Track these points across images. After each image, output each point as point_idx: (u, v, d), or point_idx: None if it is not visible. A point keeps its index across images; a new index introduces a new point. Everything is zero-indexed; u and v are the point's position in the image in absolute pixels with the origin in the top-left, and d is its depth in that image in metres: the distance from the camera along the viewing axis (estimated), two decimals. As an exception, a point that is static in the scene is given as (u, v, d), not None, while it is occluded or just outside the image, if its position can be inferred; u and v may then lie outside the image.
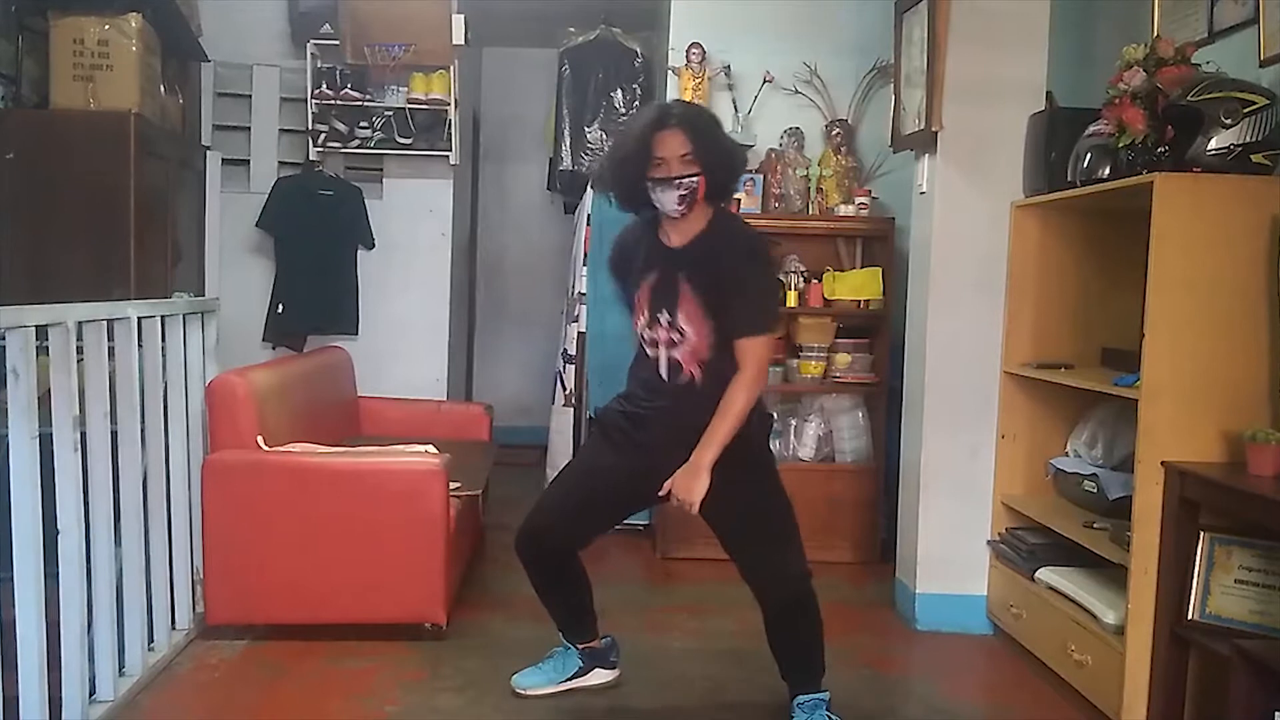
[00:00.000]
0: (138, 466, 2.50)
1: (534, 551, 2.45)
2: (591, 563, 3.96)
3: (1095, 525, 2.64)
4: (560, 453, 4.25)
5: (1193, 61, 2.46)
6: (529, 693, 2.55)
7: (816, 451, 3.87)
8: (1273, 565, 2.23)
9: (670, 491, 2.23)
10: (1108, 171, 2.55)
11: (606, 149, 2.45)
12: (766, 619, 2.37)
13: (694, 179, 2.21)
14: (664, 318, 2.29)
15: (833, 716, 2.37)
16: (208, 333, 2.95)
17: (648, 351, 2.35)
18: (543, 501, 2.48)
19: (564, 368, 4.28)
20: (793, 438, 3.91)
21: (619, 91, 4.85)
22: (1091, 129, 2.61)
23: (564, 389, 4.27)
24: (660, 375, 2.32)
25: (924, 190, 3.15)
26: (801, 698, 2.38)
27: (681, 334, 2.27)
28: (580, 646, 2.60)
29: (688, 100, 2.37)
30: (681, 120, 2.23)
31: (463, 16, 4.31)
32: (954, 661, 2.91)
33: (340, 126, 4.41)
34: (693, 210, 2.26)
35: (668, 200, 2.23)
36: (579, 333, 4.18)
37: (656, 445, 2.31)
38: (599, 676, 2.61)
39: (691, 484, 2.20)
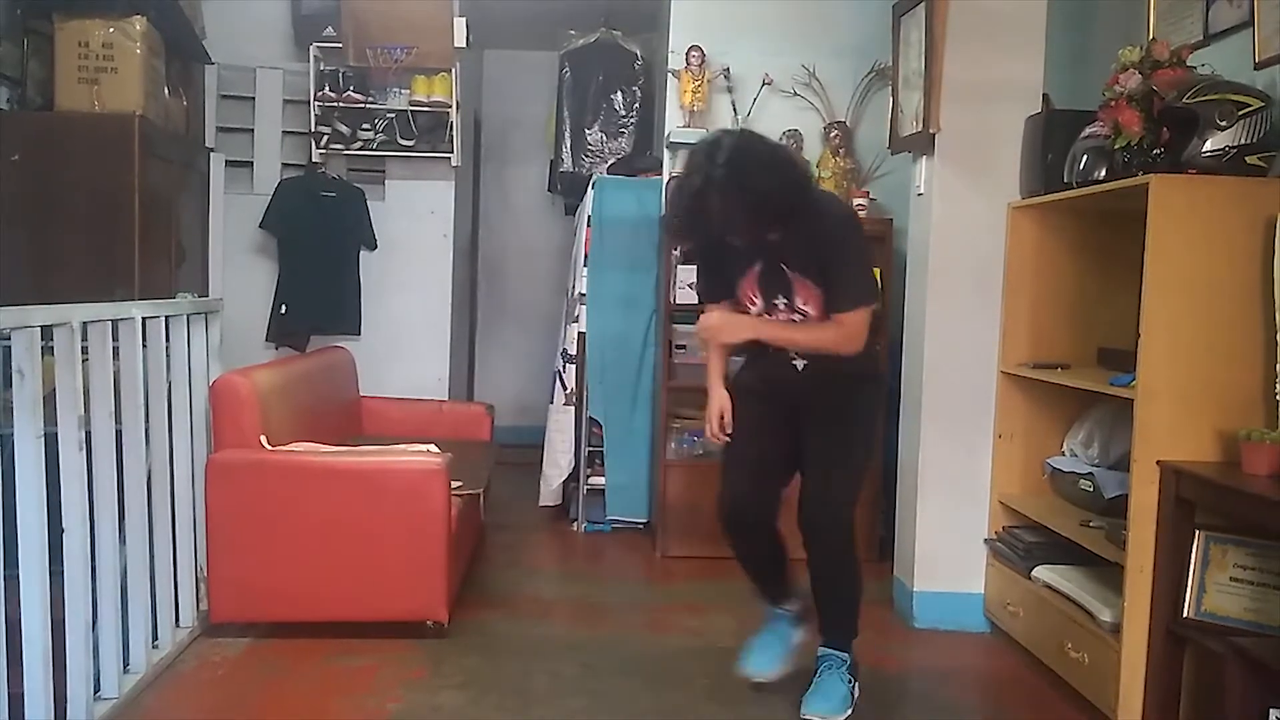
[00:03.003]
0: (142, 465, 2.52)
1: (743, 523, 2.51)
2: (591, 561, 3.98)
3: (1092, 524, 2.65)
4: (560, 451, 4.27)
5: (1188, 64, 2.48)
6: (764, 678, 2.57)
7: (816, 451, 3.88)
8: (1267, 564, 2.25)
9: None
10: (1104, 173, 2.56)
11: (671, 197, 2.54)
12: (808, 563, 2.49)
13: (740, 234, 2.29)
14: (781, 302, 2.39)
15: (852, 681, 2.48)
16: (211, 333, 2.97)
17: None
18: (726, 476, 2.53)
19: (564, 367, 4.30)
20: (792, 437, 3.92)
21: (619, 94, 4.87)
22: (1088, 131, 2.63)
23: (564, 388, 4.29)
24: (788, 355, 2.43)
25: (922, 192, 3.16)
26: (824, 650, 2.51)
27: (804, 315, 2.38)
28: (786, 608, 2.64)
29: (728, 147, 2.22)
30: (716, 193, 2.17)
31: (464, 19, 4.33)
32: (951, 659, 2.93)
33: (343, 128, 4.43)
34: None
35: (735, 245, 2.35)
36: (579, 333, 4.20)
37: (798, 389, 2.45)
38: (801, 632, 2.66)
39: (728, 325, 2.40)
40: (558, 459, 4.26)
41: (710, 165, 2.19)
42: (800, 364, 2.43)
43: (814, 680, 2.50)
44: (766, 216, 2.24)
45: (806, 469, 2.46)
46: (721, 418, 2.51)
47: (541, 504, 4.36)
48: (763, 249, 2.35)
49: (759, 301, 2.42)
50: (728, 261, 2.43)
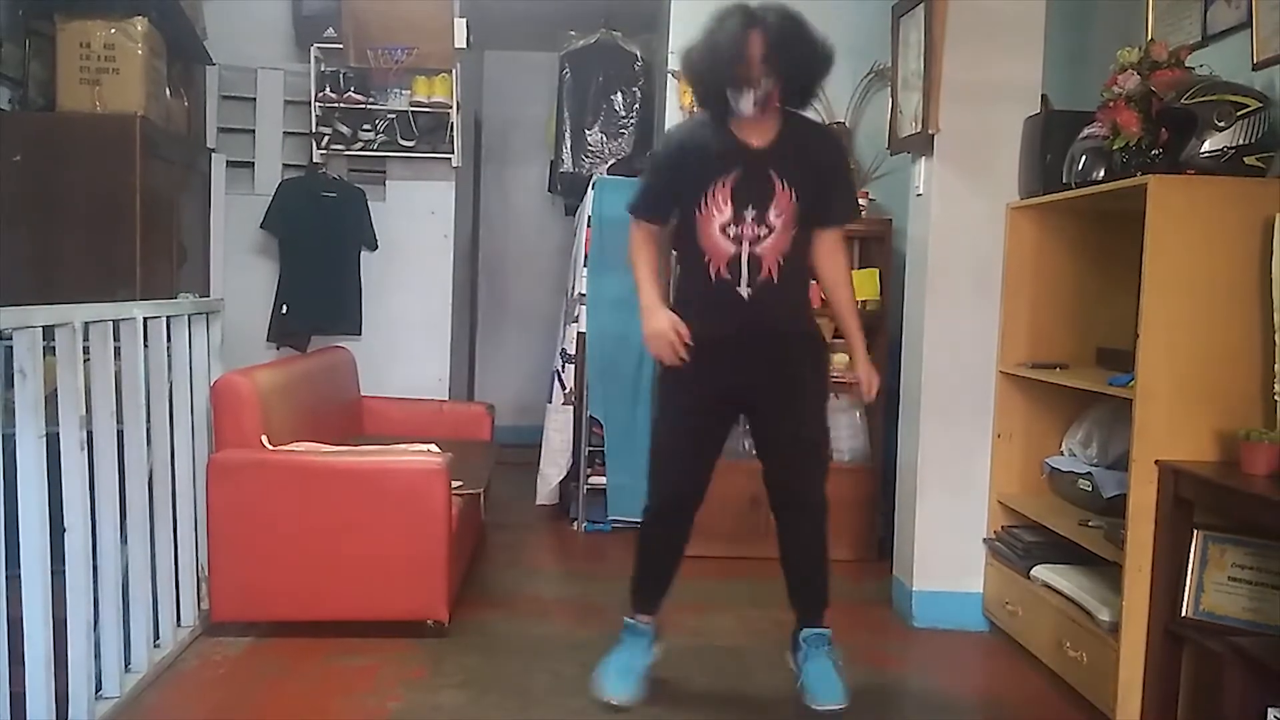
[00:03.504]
0: (143, 465, 2.52)
1: (680, 518, 2.49)
2: (592, 561, 3.99)
3: (1090, 523, 2.66)
4: (558, 451, 4.28)
5: (1187, 65, 2.48)
6: (625, 702, 2.48)
7: (815, 451, 3.90)
8: (1266, 563, 2.25)
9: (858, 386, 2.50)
10: (1102, 173, 2.57)
11: (697, 42, 2.40)
12: (784, 534, 2.48)
13: (771, 82, 2.28)
14: (750, 214, 2.35)
15: (834, 651, 2.48)
16: (212, 333, 2.97)
17: (718, 252, 2.37)
18: (662, 468, 2.48)
19: (563, 367, 4.31)
20: (792, 437, 3.93)
21: (619, 94, 4.88)
22: (1086, 131, 2.64)
23: (563, 388, 4.31)
24: (735, 280, 2.37)
25: (921, 192, 3.17)
26: (808, 631, 2.49)
27: (770, 229, 2.36)
28: (647, 620, 2.59)
29: (781, 4, 2.32)
30: (767, 26, 2.26)
31: (464, 20, 4.35)
32: (950, 658, 2.94)
33: (343, 129, 4.45)
34: (767, 112, 2.33)
35: (744, 102, 2.29)
36: (579, 333, 4.21)
37: (746, 358, 2.40)
38: (658, 651, 2.63)
39: (873, 376, 2.50)
40: (556, 458, 4.27)
41: (760, 9, 2.28)
42: (746, 292, 2.37)
43: (804, 668, 2.47)
44: (798, 75, 2.32)
45: (783, 450, 2.45)
46: (678, 334, 2.34)
47: (539, 503, 4.37)
48: (748, 157, 2.35)
49: (726, 211, 2.35)
50: (700, 166, 2.37)
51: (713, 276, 2.38)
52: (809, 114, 2.51)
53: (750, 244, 2.36)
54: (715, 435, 2.47)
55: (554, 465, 4.30)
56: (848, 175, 2.49)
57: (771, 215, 2.35)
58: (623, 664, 2.53)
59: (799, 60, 2.30)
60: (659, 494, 2.50)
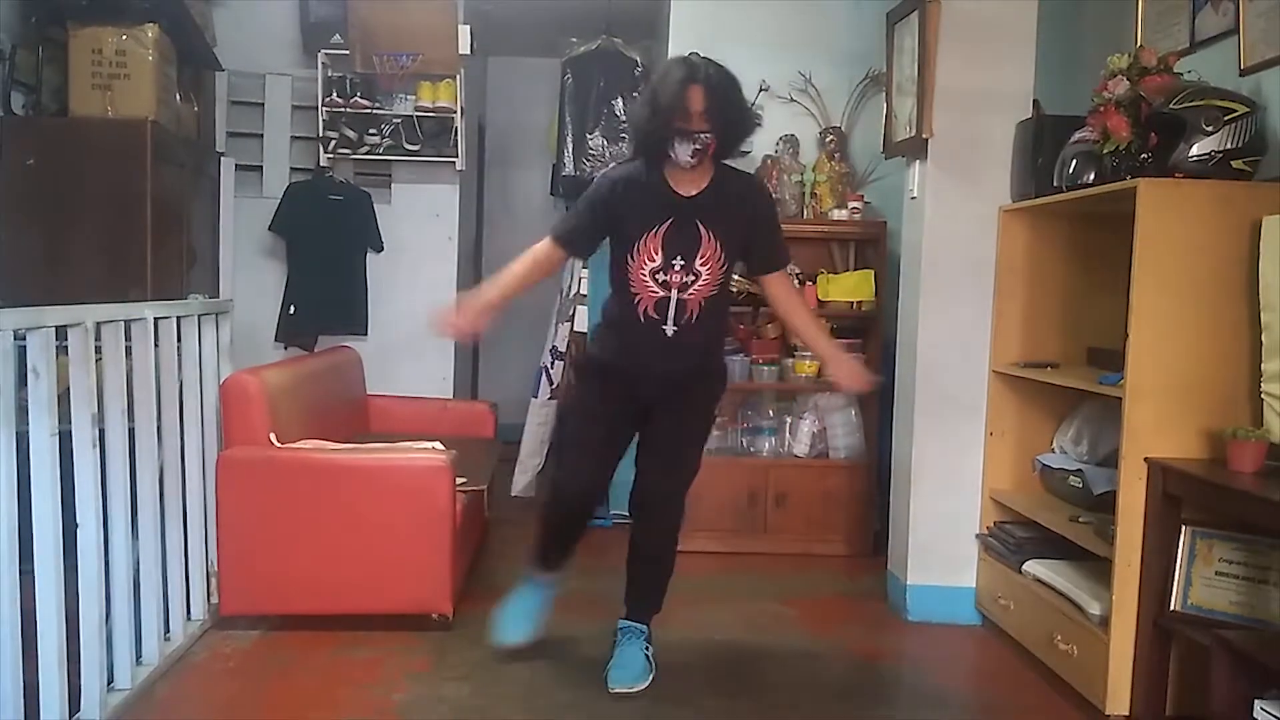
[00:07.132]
0: (154, 462, 2.56)
1: (582, 506, 2.64)
2: (591, 555, 4.03)
3: (1081, 519, 2.70)
4: (539, 443, 4.35)
5: (1175, 70, 2.52)
6: (518, 643, 2.72)
7: (811, 448, 3.94)
8: (1252, 558, 2.29)
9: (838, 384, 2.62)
10: (1093, 177, 2.60)
11: (642, 95, 2.58)
12: (639, 536, 2.64)
13: (708, 135, 2.36)
14: (679, 262, 2.45)
15: (649, 649, 2.62)
16: (222, 333, 3.01)
17: (648, 294, 2.48)
18: (571, 462, 2.66)
19: (552, 364, 4.37)
20: (788, 435, 3.97)
21: (620, 99, 4.91)
22: (1077, 136, 2.67)
23: (550, 384, 4.37)
24: (662, 318, 2.49)
25: (915, 195, 3.21)
26: (626, 623, 2.66)
27: (696, 276, 2.46)
28: (549, 577, 2.79)
29: (715, 61, 2.42)
30: (707, 80, 2.35)
31: (468, 27, 4.39)
32: (944, 651, 2.97)
33: (350, 133, 4.49)
34: (701, 164, 2.43)
35: (683, 152, 2.37)
36: (573, 331, 4.27)
37: (659, 385, 2.55)
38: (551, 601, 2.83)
39: (856, 373, 2.59)
40: (536, 450, 4.33)
41: (702, 63, 2.38)
42: (670, 330, 2.49)
43: (614, 652, 2.62)
44: (732, 131, 2.41)
45: (656, 454, 2.57)
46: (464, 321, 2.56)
47: (514, 494, 4.39)
48: (679, 206, 2.45)
49: (657, 259, 2.45)
50: (634, 214, 2.46)
51: (641, 316, 2.50)
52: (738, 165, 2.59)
53: (678, 290, 2.47)
54: (619, 439, 2.62)
55: (534, 457, 4.36)
56: (777, 223, 2.60)
57: (698, 263, 2.45)
58: (520, 611, 2.75)
59: (734, 117, 2.41)
60: (564, 486, 2.65)
